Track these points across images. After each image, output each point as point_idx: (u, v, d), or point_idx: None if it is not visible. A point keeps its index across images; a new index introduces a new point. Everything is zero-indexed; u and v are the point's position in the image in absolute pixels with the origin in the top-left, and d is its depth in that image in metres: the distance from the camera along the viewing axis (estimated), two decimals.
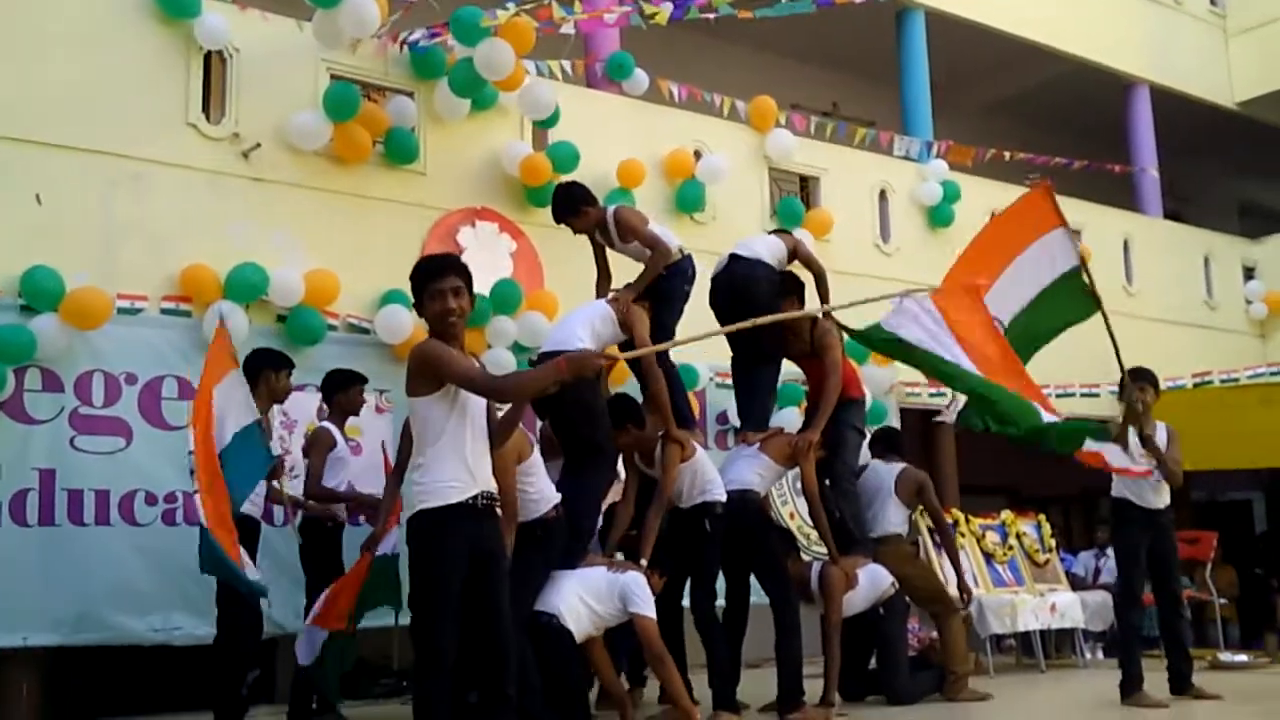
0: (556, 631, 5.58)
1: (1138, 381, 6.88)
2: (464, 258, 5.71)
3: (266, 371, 6.27)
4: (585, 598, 5.73)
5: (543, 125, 9.08)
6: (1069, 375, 11.24)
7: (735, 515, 6.39)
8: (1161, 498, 6.88)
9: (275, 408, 6.73)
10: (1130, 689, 6.64)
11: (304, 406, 7.59)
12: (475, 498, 4.09)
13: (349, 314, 7.97)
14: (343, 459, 6.82)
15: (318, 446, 6.74)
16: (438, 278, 4.21)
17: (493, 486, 4.18)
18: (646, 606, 5.74)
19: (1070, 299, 6.18)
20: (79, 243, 7.14)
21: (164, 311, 7.34)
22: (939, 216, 11.52)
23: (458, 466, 4.09)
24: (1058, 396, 11.03)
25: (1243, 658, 9.08)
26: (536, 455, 5.61)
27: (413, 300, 4.32)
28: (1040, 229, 6.11)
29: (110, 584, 6.86)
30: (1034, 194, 6.23)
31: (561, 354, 4.52)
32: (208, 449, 5.43)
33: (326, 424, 6.88)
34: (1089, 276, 6.16)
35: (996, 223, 6.21)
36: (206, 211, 7.61)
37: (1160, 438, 6.83)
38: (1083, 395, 11.32)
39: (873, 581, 7.05)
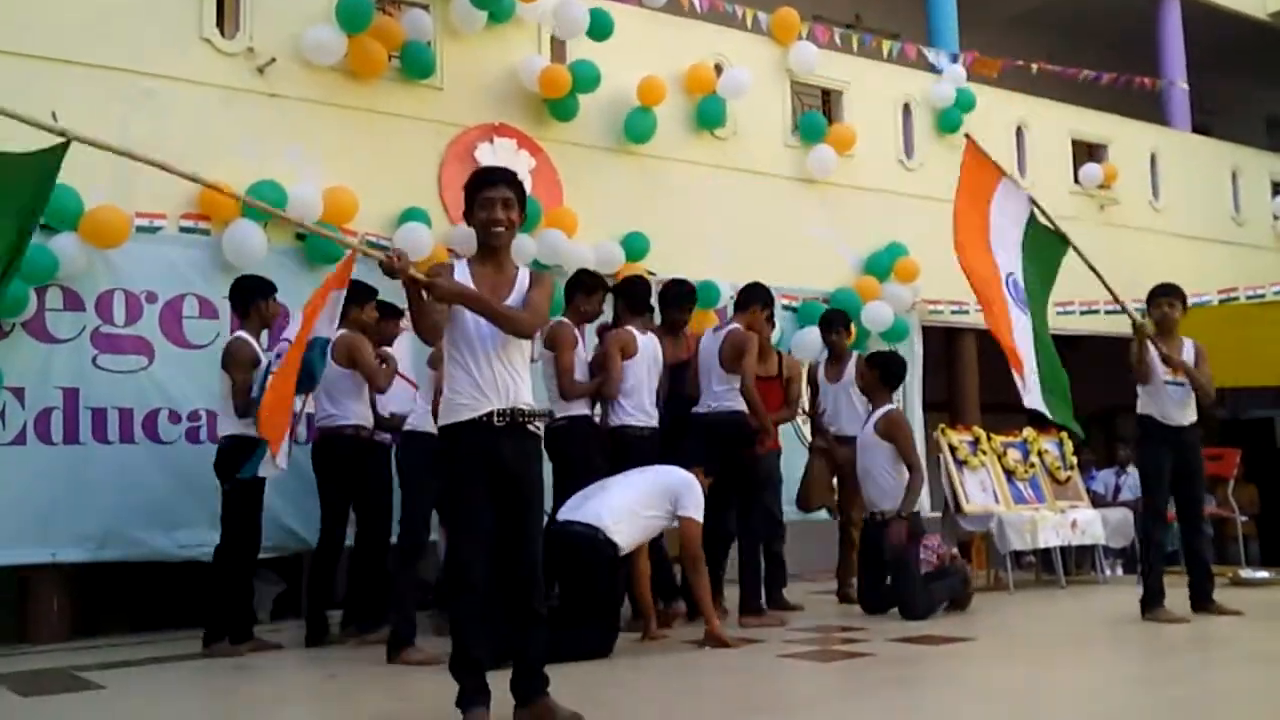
0: (602, 544, 5.65)
1: (1165, 296, 6.84)
2: None
3: (257, 300, 6.46)
4: (635, 506, 5.80)
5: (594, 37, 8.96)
6: (1096, 292, 11.11)
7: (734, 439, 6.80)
8: (1187, 414, 6.82)
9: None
10: (1151, 604, 6.66)
11: None
12: (490, 415, 4.07)
13: (367, 232, 7.92)
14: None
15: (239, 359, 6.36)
16: (490, 186, 4.20)
17: (520, 403, 4.14)
18: (696, 510, 5.93)
19: (1045, 243, 6.14)
20: (95, 161, 7.00)
21: (183, 230, 7.32)
22: (948, 122, 11.26)
23: (467, 384, 4.08)
24: (1082, 314, 10.97)
25: (1264, 574, 9.08)
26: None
27: (464, 210, 4.29)
28: (988, 189, 5.97)
29: (136, 501, 6.93)
30: (966, 156, 6.04)
31: None
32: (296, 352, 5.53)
33: (243, 334, 6.48)
34: (1045, 215, 6.11)
35: (959, 195, 5.91)
36: (222, 128, 7.54)
37: (1188, 354, 6.79)
38: (1108, 312, 11.20)
39: None
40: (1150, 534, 6.85)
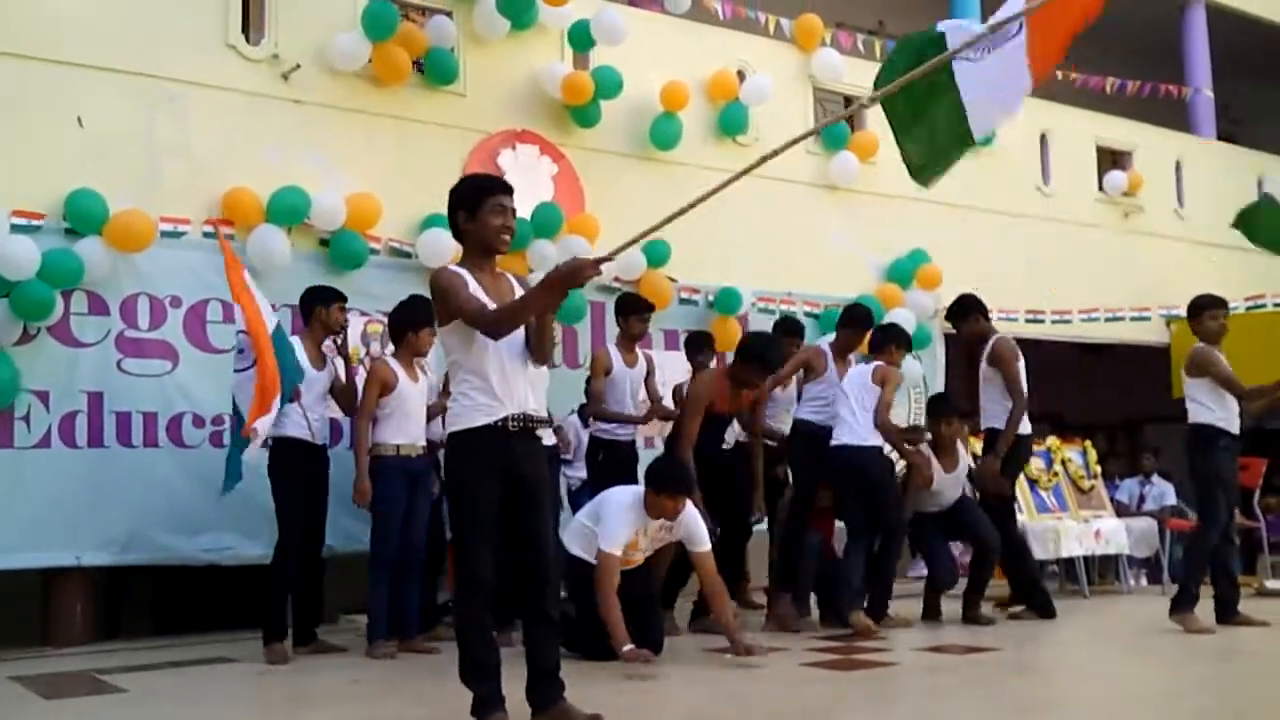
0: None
1: (1222, 308, 6.87)
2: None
3: (318, 307, 6.39)
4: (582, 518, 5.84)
5: (579, 48, 8.93)
6: (1120, 300, 11.09)
7: None
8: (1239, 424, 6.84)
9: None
10: (1183, 605, 6.59)
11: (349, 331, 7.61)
12: (505, 420, 4.06)
13: (391, 238, 7.95)
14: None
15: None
16: (500, 193, 4.16)
17: (530, 409, 4.12)
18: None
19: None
20: (121, 166, 7.13)
21: (206, 235, 7.34)
22: None
23: (482, 390, 4.06)
24: (1107, 320, 10.90)
25: None
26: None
27: (463, 212, 4.16)
28: None
29: (160, 505, 6.96)
30: None
31: None
32: (259, 325, 6.06)
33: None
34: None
35: None
36: (246, 134, 7.58)
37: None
38: (1133, 319, 11.16)
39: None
40: (1210, 542, 6.72)
